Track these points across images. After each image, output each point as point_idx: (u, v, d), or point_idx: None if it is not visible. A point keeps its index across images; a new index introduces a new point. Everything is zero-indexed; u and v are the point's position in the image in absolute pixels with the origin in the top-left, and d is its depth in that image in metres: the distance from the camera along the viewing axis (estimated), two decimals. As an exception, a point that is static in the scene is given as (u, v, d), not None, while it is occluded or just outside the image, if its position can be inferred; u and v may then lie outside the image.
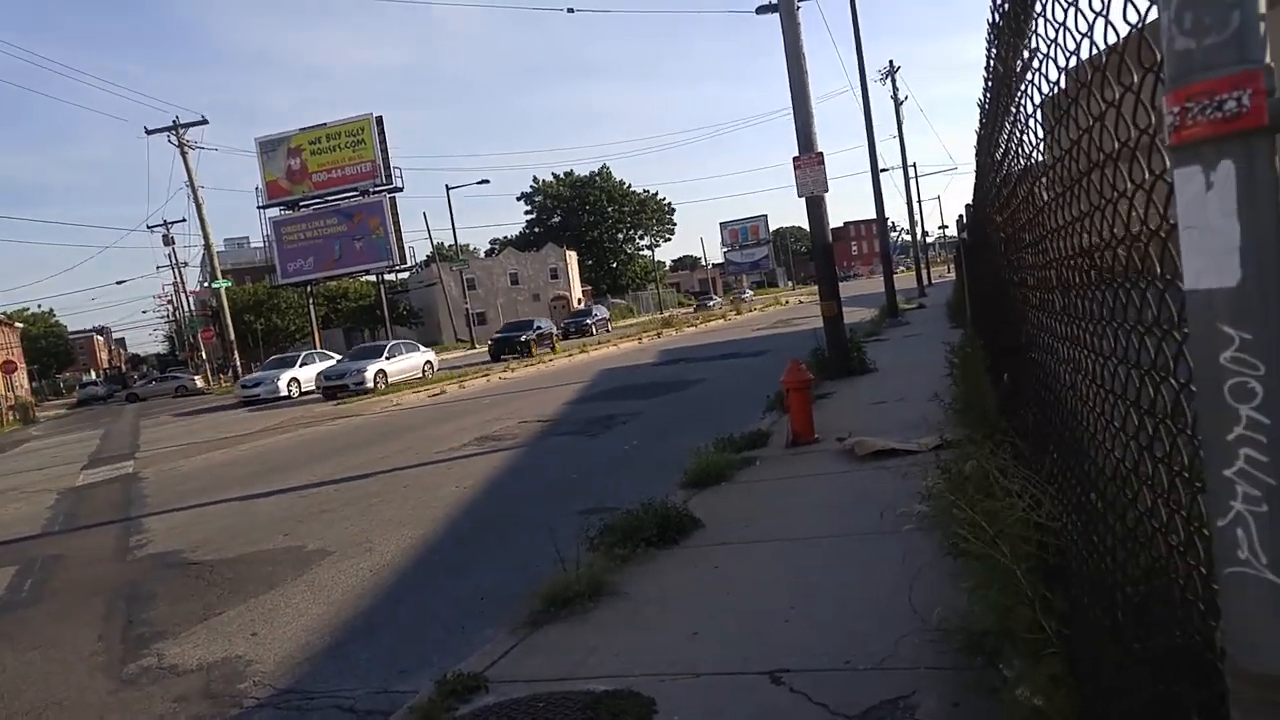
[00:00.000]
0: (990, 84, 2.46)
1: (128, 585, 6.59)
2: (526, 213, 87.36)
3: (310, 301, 51.30)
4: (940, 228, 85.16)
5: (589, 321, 48.55)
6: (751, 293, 77.68)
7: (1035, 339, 2.58)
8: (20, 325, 70.31)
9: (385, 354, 26.25)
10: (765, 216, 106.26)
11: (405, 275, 63.98)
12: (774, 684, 3.20)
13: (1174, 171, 0.75)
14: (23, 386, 58.42)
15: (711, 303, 65.27)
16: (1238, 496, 0.72)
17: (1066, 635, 2.13)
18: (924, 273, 41.56)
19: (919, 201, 56.68)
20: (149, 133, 33.27)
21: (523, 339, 32.92)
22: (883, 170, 27.99)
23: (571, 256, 74.20)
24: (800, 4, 13.08)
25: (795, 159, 12.79)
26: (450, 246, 61.41)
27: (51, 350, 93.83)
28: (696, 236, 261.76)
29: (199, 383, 49.47)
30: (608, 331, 46.07)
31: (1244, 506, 0.72)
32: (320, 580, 5.91)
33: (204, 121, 33.46)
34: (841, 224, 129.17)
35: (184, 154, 32.88)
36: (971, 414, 5.94)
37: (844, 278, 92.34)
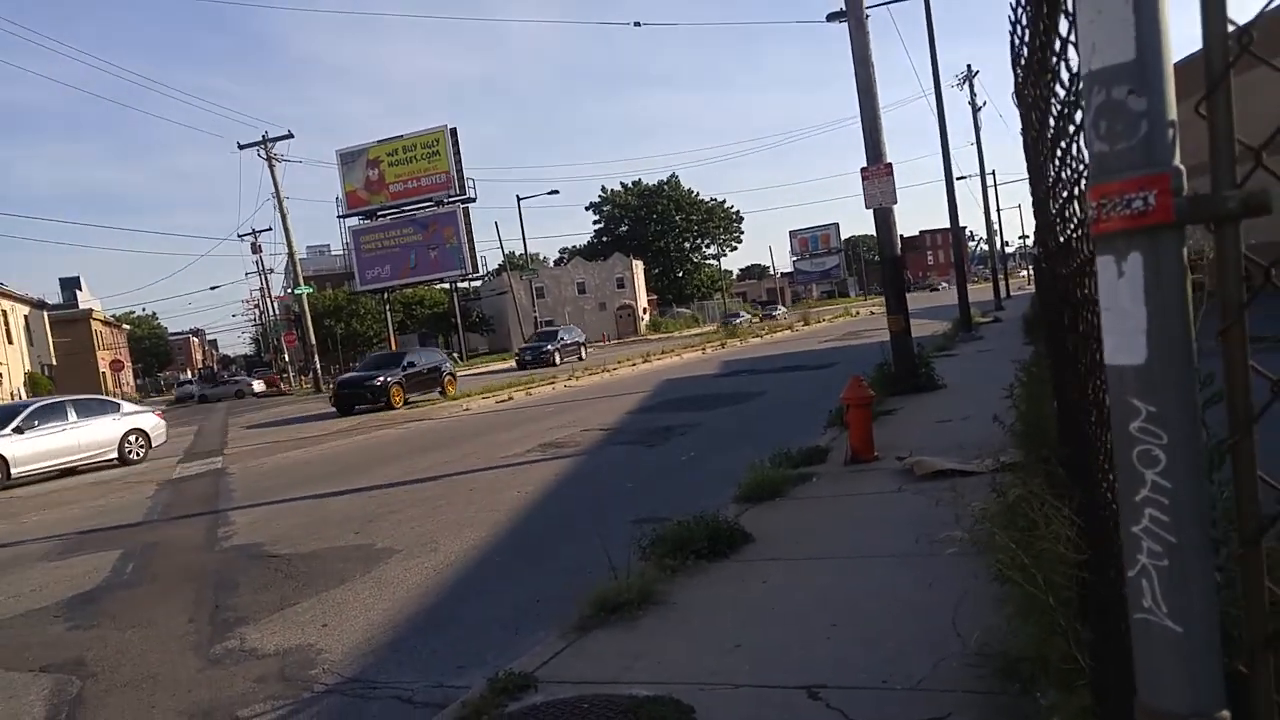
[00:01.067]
0: (1024, 125, 2.53)
1: (215, 573, 7.09)
2: (595, 222, 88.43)
3: (387, 308, 53.30)
4: (1021, 237, 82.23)
5: (551, 348, 36.39)
6: (784, 309, 76.04)
7: (1065, 370, 2.60)
8: (127, 327, 75.56)
9: (17, 421, 15.08)
10: (836, 225, 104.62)
11: (478, 283, 65.77)
12: (811, 699, 3.27)
13: (1096, 258, 0.84)
14: (128, 383, 62.76)
15: (738, 319, 60.64)
16: (1143, 551, 0.80)
17: (1094, 667, 2.16)
18: (1002, 284, 40.21)
19: (998, 211, 55.04)
20: (241, 148, 35.21)
21: (377, 382, 22.03)
22: (959, 178, 27.32)
23: (638, 265, 74.73)
24: (869, 12, 13.00)
25: (863, 170, 12.68)
26: (521, 255, 62.65)
27: (153, 350, 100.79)
28: (765, 245, 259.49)
29: (257, 387, 50.89)
30: (580, 359, 35.57)
31: (1148, 560, 0.80)
32: (387, 577, 6.22)
33: (290, 136, 35.26)
34: (917, 233, 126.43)
35: (271, 167, 34.65)
36: (1032, 437, 5.82)
37: (919, 287, 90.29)
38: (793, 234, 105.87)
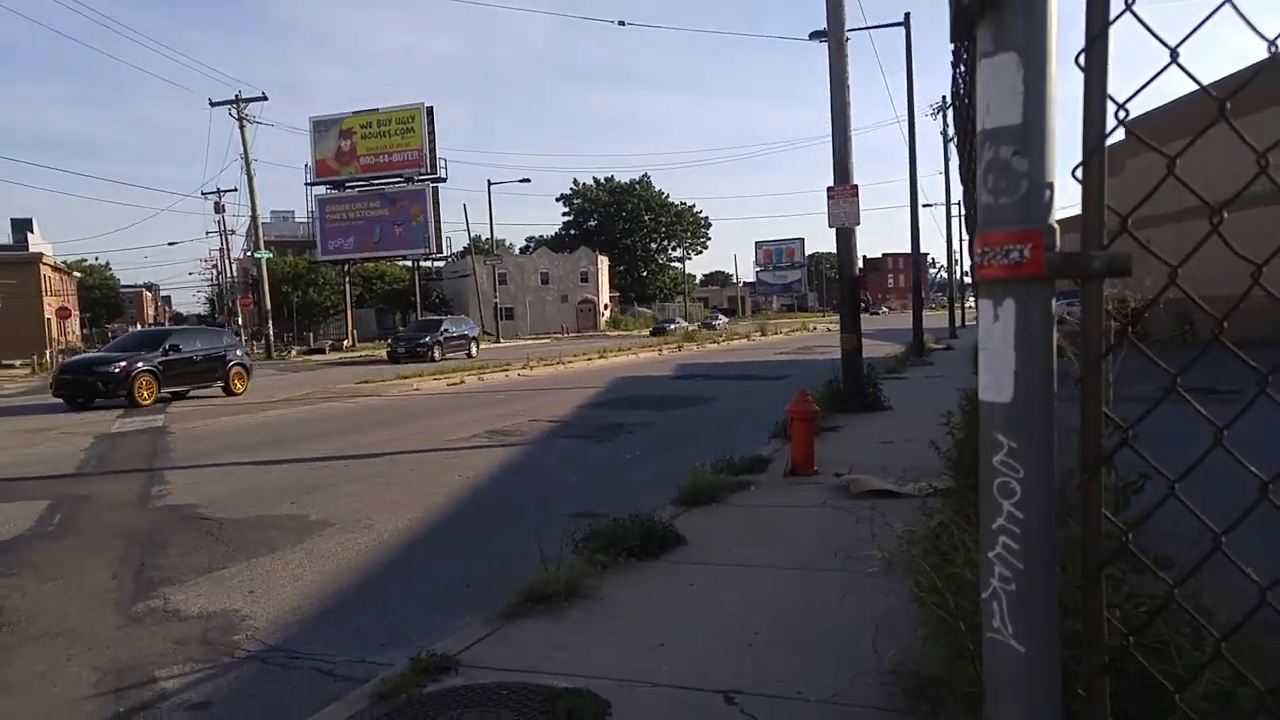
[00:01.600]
0: (960, 161, 2.65)
1: (144, 532, 6.94)
2: (564, 214, 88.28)
3: (346, 280, 52.34)
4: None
5: (430, 340, 31.79)
6: (725, 320, 74.69)
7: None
8: (78, 275, 72.81)
9: None
10: (802, 240, 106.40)
11: (441, 264, 65.04)
12: (726, 703, 3.34)
13: (979, 301, 0.91)
14: (74, 333, 60.42)
15: (671, 326, 56.81)
16: (995, 575, 0.87)
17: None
18: (957, 313, 41.20)
19: (960, 241, 56.26)
20: (213, 104, 34.35)
21: (115, 369, 17.28)
22: (925, 205, 27.88)
23: (603, 261, 74.70)
24: (849, 36, 13.21)
25: (830, 189, 12.88)
26: (486, 240, 62.12)
27: (103, 301, 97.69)
28: (730, 253, 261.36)
29: None
30: (469, 356, 31.67)
31: (999, 584, 0.87)
32: (319, 550, 6.16)
33: (264, 98, 34.44)
34: (880, 255, 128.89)
35: (242, 128, 33.81)
36: (965, 465, 6.01)
37: (874, 310, 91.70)
38: (758, 245, 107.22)
